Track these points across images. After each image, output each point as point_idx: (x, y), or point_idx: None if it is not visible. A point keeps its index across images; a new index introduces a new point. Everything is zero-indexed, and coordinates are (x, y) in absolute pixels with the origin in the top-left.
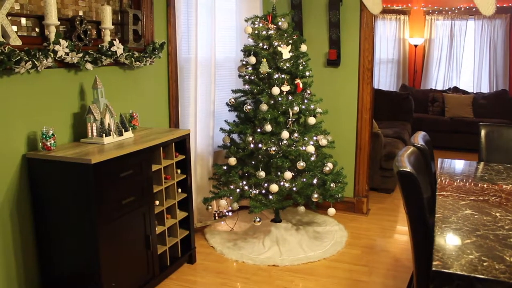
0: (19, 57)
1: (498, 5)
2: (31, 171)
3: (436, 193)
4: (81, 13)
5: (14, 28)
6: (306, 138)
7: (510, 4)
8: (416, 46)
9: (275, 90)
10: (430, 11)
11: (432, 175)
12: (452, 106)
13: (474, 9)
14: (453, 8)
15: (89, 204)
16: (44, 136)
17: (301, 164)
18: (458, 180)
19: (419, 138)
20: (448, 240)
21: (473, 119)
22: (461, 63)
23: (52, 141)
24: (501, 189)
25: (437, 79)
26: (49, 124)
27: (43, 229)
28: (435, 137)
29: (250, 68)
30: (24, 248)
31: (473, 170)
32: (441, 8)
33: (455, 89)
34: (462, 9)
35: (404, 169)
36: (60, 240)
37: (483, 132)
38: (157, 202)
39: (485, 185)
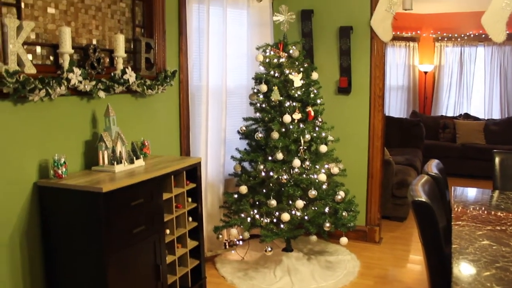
0: (33, 85)
1: (508, 32)
2: (42, 199)
3: (452, 223)
4: (94, 42)
5: (29, 56)
6: (317, 166)
7: None
8: (426, 72)
9: (287, 118)
10: (439, 38)
11: (447, 203)
12: (464, 133)
13: (483, 36)
14: (462, 35)
15: (99, 232)
16: (55, 164)
17: (312, 193)
18: (472, 209)
19: (433, 166)
20: (466, 272)
21: (485, 145)
22: (471, 90)
23: (64, 169)
24: None
25: (448, 106)
26: (61, 152)
27: (53, 257)
28: (446, 164)
29: (261, 96)
30: (33, 276)
31: (488, 199)
32: (450, 35)
33: (466, 116)
34: (472, 35)
35: (419, 199)
36: (70, 269)
37: (497, 160)
38: (167, 231)
39: (501, 214)
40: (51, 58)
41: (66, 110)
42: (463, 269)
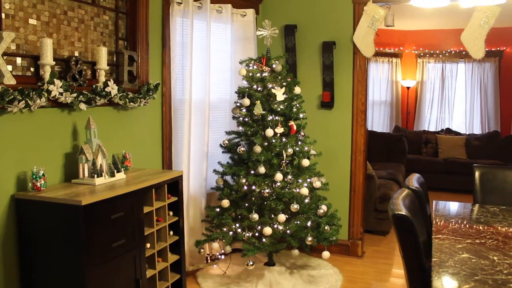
0: (12, 97)
1: (487, 49)
2: (19, 212)
3: (432, 236)
4: (76, 54)
5: (9, 67)
6: (300, 180)
7: (498, 48)
8: (408, 88)
9: (269, 132)
10: (422, 54)
11: (428, 217)
12: (445, 147)
13: (464, 53)
14: (443, 51)
15: (78, 246)
16: (34, 176)
17: (295, 207)
18: (454, 223)
19: (414, 180)
20: (446, 285)
21: (467, 160)
22: (453, 105)
23: (42, 182)
24: (497, 232)
25: (430, 121)
26: (40, 164)
27: (30, 272)
28: (428, 178)
29: (244, 110)
30: None
31: (469, 212)
32: (432, 51)
33: (448, 131)
34: (453, 52)
35: (399, 212)
36: (48, 284)
37: (477, 174)
38: (148, 245)
39: (481, 228)
40: (32, 69)
41: (46, 122)
42: (443, 282)
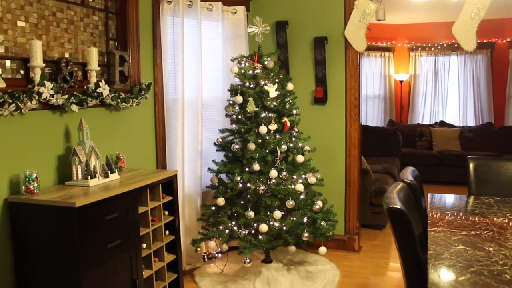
0: (2, 100)
1: (478, 41)
2: (13, 215)
3: (428, 229)
4: (67, 55)
5: None
6: (294, 177)
7: (490, 40)
8: (401, 82)
9: (263, 129)
10: (414, 47)
11: (423, 210)
12: (440, 140)
13: (456, 45)
14: (436, 45)
15: (73, 248)
16: (27, 179)
17: (290, 203)
18: (449, 215)
19: (408, 173)
20: (443, 277)
21: (461, 152)
22: (446, 98)
23: (36, 184)
24: (492, 223)
25: (424, 114)
26: (33, 167)
27: (25, 275)
28: (423, 171)
29: (237, 108)
30: None
31: (464, 204)
32: (424, 45)
33: (442, 123)
34: (445, 45)
35: (394, 206)
36: (43, 286)
37: (471, 166)
38: (144, 245)
39: (476, 219)
40: (22, 72)
41: (38, 125)
42: (440, 275)
